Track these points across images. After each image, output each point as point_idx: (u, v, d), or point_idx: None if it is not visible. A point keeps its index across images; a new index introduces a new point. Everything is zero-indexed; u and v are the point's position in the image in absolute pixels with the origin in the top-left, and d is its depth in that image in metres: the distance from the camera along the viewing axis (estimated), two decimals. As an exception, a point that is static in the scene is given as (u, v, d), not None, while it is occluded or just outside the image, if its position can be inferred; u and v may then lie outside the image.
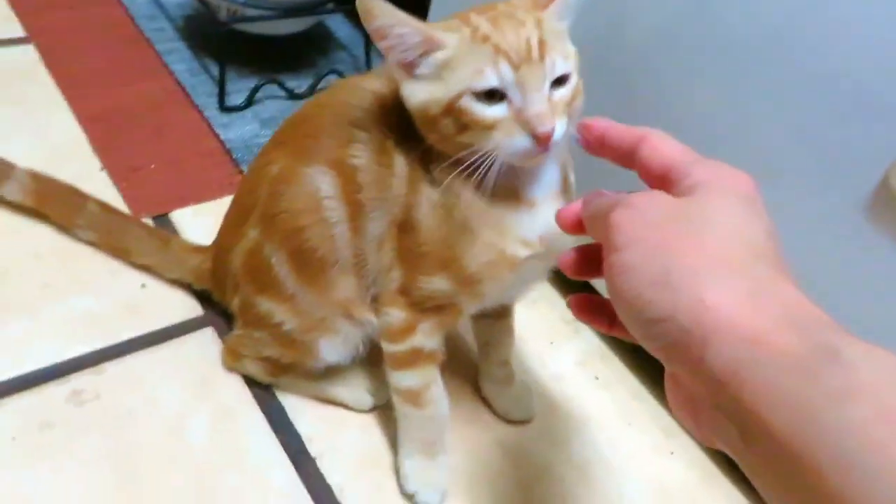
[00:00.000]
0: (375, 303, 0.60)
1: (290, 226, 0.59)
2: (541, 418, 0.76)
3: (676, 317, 0.31)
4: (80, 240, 0.78)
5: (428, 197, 0.54)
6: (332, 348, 0.64)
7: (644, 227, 0.35)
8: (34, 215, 0.79)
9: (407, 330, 0.59)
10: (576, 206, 0.42)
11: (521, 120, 0.48)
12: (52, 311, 0.73)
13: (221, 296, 0.71)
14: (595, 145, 0.43)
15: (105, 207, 0.77)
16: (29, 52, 1.01)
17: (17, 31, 1.04)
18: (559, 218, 0.43)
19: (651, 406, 0.81)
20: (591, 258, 0.41)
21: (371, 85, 0.59)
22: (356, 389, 0.71)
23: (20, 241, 0.78)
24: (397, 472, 0.66)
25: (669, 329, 0.31)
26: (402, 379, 0.62)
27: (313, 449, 0.68)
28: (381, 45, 0.50)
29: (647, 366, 0.84)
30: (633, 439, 0.77)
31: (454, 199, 0.53)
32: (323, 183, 0.58)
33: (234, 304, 0.68)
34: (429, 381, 0.62)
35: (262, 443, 0.67)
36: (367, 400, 0.71)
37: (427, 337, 0.59)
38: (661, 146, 0.39)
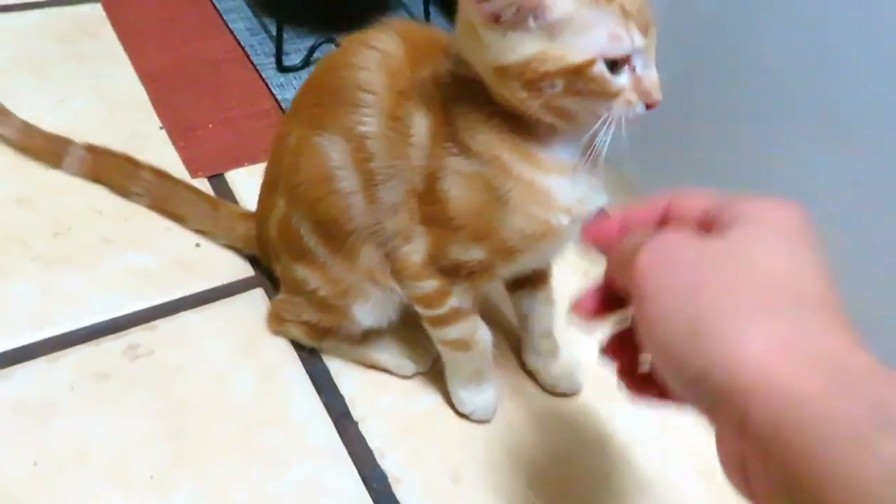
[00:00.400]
0: (395, 274, 0.59)
1: (310, 197, 0.59)
2: (588, 392, 0.75)
3: (713, 373, 0.28)
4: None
5: (455, 168, 0.52)
6: (365, 313, 0.64)
7: (673, 270, 0.31)
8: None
9: (442, 296, 0.58)
10: (608, 224, 0.40)
11: (640, 89, 0.46)
12: (110, 266, 0.75)
13: (268, 262, 0.72)
14: (615, 240, 0.38)
15: (159, 174, 0.79)
16: (96, 10, 1.03)
17: (85, -12, 1.06)
18: (589, 235, 0.41)
19: (703, 385, 0.78)
20: (609, 296, 0.38)
21: (380, 43, 0.56)
22: (398, 355, 0.71)
23: (83, 198, 0.80)
24: (452, 397, 0.69)
25: (708, 389, 0.29)
26: (447, 334, 0.62)
27: (356, 412, 0.68)
28: None
29: (701, 343, 0.81)
30: (682, 417, 0.75)
31: (496, 171, 0.51)
32: (334, 151, 0.57)
33: (278, 270, 0.69)
34: (473, 328, 0.63)
35: (305, 403, 0.68)
36: (409, 366, 0.71)
37: (463, 298, 0.59)
38: (696, 193, 0.36)
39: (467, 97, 0.51)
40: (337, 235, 0.60)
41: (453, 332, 0.62)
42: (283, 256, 0.66)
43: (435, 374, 0.71)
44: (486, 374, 0.67)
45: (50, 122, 0.86)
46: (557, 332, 0.73)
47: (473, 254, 0.55)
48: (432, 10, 1.13)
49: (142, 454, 0.62)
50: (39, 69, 0.93)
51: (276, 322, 0.71)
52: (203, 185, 0.85)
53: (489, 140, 0.51)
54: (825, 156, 0.61)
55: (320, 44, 1.02)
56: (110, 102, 0.91)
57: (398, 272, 0.59)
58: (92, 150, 0.80)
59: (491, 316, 0.65)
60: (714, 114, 0.72)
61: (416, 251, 0.57)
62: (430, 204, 0.54)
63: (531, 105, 0.48)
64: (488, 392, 0.69)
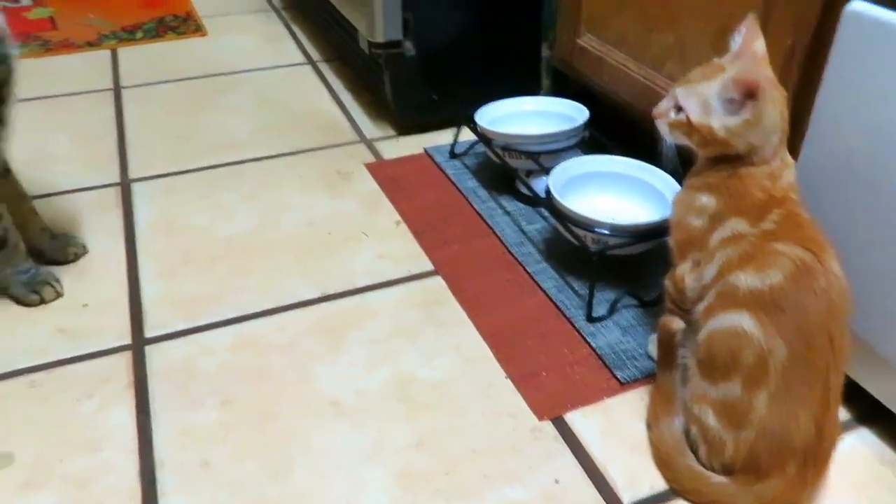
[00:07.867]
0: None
1: None
2: None
3: None
4: None
5: None
6: None
7: None
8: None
9: None
10: None
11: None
12: (493, 498, 0.93)
13: None
14: None
15: None
16: (438, 282, 1.32)
17: (428, 265, 1.37)
18: None
19: None
20: None
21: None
22: None
23: (461, 438, 1.01)
24: None
25: None
26: None
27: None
28: None
29: None
30: None
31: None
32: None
33: None
34: None
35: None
36: None
37: None
38: None
39: None
40: None
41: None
42: None
43: None
44: None
45: (425, 376, 1.11)
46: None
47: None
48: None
49: None
50: (411, 332, 1.20)
51: None
52: (547, 427, 1.02)
53: None
54: None
55: (622, 297, 1.21)
56: (466, 358, 1.15)
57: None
58: None
59: None
60: None
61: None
62: None
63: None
64: None
